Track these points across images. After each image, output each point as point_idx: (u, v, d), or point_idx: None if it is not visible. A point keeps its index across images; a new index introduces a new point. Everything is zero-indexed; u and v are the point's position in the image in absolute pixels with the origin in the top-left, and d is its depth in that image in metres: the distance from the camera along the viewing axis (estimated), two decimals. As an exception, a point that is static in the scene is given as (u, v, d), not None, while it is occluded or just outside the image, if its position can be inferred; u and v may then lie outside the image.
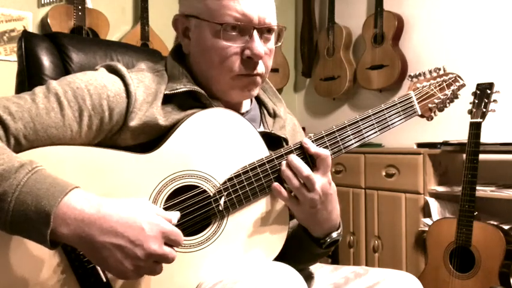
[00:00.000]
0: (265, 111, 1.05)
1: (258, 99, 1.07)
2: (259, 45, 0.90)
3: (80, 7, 2.54)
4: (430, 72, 1.07)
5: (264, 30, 0.92)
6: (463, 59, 2.57)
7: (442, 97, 1.05)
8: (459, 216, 1.91)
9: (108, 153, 0.84)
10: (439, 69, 1.08)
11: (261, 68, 0.93)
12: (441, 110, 1.07)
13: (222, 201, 0.87)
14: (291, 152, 0.91)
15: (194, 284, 0.85)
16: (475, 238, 1.88)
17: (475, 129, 1.92)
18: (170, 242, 0.75)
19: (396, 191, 2.39)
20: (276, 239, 0.91)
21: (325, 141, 0.93)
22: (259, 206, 0.91)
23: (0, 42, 2.48)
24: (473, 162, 1.90)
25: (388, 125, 0.99)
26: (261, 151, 0.91)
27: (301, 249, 0.98)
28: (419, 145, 2.45)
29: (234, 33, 0.89)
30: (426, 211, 2.27)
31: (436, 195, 2.28)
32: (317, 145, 0.91)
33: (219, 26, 0.88)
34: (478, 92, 1.93)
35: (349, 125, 0.95)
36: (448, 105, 1.08)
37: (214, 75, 0.93)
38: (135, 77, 0.89)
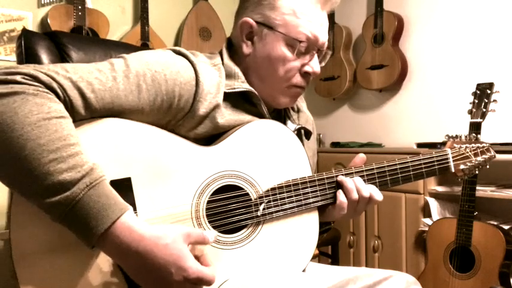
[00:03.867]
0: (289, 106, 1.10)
1: None
2: (317, 65, 1.00)
3: (80, 7, 2.54)
4: (466, 137, 1.17)
5: (322, 52, 1.01)
6: (463, 59, 2.57)
7: (474, 162, 1.13)
8: (459, 216, 1.91)
9: (171, 137, 0.89)
10: (475, 137, 1.17)
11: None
12: (471, 174, 1.14)
13: (261, 208, 0.92)
14: (331, 177, 0.99)
15: (220, 280, 0.88)
16: (475, 238, 1.88)
17: (475, 129, 1.92)
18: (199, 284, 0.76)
19: (396, 191, 2.39)
20: (303, 254, 0.96)
21: (364, 175, 1.01)
22: (294, 221, 0.96)
23: (0, 42, 2.48)
24: (473, 162, 1.90)
25: (423, 174, 1.07)
26: (305, 169, 0.99)
27: None
28: (419, 145, 2.44)
29: (302, 50, 0.97)
30: (426, 211, 2.27)
31: (436, 195, 2.28)
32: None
33: (296, 42, 0.96)
34: (478, 92, 1.93)
35: (387, 166, 1.04)
36: (476, 171, 1.15)
37: (272, 81, 1.00)
38: (202, 67, 0.92)
